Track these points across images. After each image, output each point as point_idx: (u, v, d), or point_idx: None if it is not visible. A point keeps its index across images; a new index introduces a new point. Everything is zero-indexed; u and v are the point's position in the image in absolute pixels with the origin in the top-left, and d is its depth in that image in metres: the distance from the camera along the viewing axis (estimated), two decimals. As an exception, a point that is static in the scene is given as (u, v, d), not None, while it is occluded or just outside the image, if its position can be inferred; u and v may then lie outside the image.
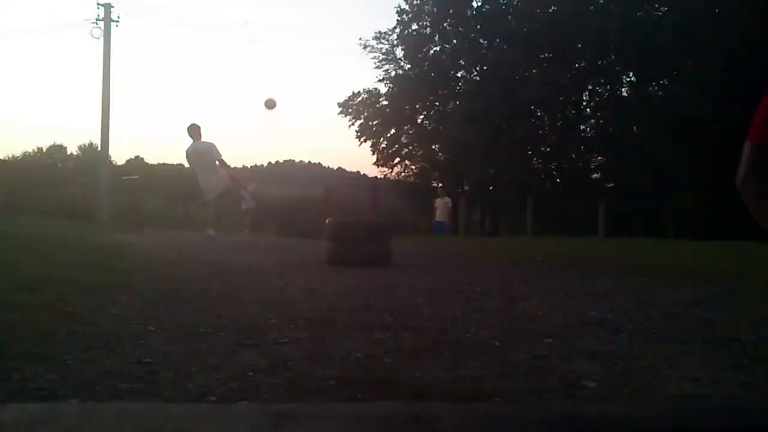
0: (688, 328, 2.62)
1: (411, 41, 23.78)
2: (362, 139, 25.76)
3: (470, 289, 3.90)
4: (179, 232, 12.46)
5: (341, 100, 26.14)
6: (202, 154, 8.53)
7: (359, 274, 4.52)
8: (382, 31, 25.25)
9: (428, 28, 23.89)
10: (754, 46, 13.83)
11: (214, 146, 8.51)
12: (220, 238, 8.32)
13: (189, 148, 8.44)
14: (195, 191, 8.93)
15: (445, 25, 23.48)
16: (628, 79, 22.59)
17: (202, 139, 8.51)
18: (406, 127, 25.49)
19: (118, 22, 19.66)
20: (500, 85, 20.58)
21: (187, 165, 8.61)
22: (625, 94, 22.22)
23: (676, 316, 2.97)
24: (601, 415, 0.41)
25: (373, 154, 25.86)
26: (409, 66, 24.60)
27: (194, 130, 8.48)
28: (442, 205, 14.44)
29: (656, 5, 21.18)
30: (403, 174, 25.78)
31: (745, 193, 1.63)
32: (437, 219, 14.43)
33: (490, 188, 22.88)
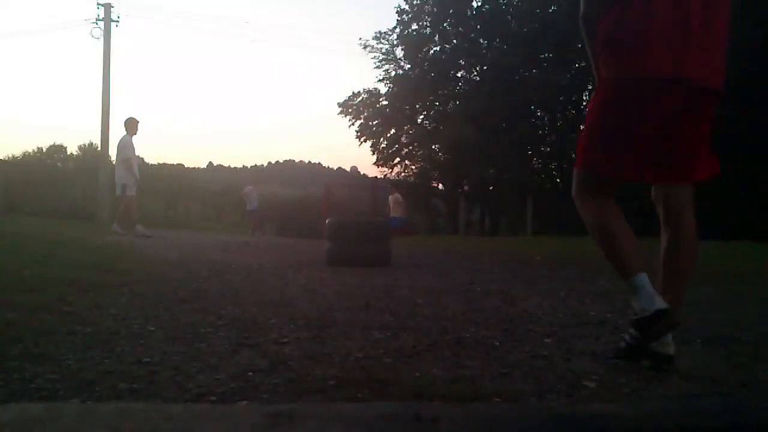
0: (688, 328, 2.62)
1: (411, 41, 23.79)
2: (362, 139, 25.79)
3: (470, 289, 3.90)
4: (179, 232, 12.46)
5: (341, 100, 26.18)
6: (119, 148, 8.99)
7: (359, 274, 4.52)
8: (382, 31, 25.30)
9: (428, 28, 23.90)
10: (753, 47, 13.84)
11: (128, 143, 8.87)
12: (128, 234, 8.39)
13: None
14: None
15: (445, 25, 23.48)
16: (628, 79, 22.56)
17: (129, 135, 8.91)
18: (406, 127, 25.50)
19: (118, 22, 19.64)
20: (500, 85, 20.58)
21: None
22: (625, 94, 22.19)
23: (676, 316, 2.96)
24: (601, 415, 0.41)
25: (373, 154, 25.89)
26: (409, 66, 24.61)
27: (127, 124, 8.99)
28: (393, 201, 15.13)
29: (656, 5, 21.15)
30: (403, 174, 25.80)
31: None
32: (392, 215, 14.87)
33: (490, 188, 22.88)
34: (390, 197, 15.54)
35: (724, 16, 1.84)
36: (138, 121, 9.08)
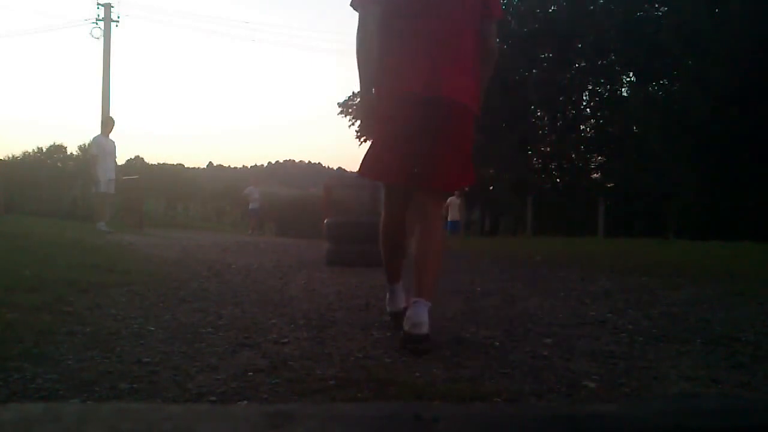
0: (688, 328, 2.63)
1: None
2: (362, 139, 25.80)
3: (470, 289, 3.90)
4: (179, 232, 12.46)
5: (341, 100, 26.20)
6: (89, 146, 9.24)
7: (359, 274, 4.52)
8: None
9: (428, 28, 23.86)
10: (754, 46, 13.83)
11: (98, 141, 8.89)
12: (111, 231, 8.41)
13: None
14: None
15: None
16: (628, 79, 22.61)
17: (101, 134, 8.92)
18: (406, 127, 25.46)
19: (118, 22, 19.65)
20: (500, 85, 20.59)
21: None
22: (625, 94, 22.24)
23: (676, 316, 2.97)
24: (601, 415, 0.41)
25: (374, 154, 25.87)
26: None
27: (101, 123, 9.09)
28: (451, 203, 13.76)
29: (656, 5, 21.20)
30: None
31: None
32: (450, 218, 13.66)
33: (490, 188, 22.89)
34: (449, 198, 14.54)
35: (472, 50, 2.23)
36: (113, 120, 9.21)
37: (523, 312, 3.00)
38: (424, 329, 2.06)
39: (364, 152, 2.34)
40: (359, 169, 2.36)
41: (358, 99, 2.73)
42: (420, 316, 2.07)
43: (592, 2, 21.32)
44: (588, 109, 23.91)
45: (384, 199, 2.43)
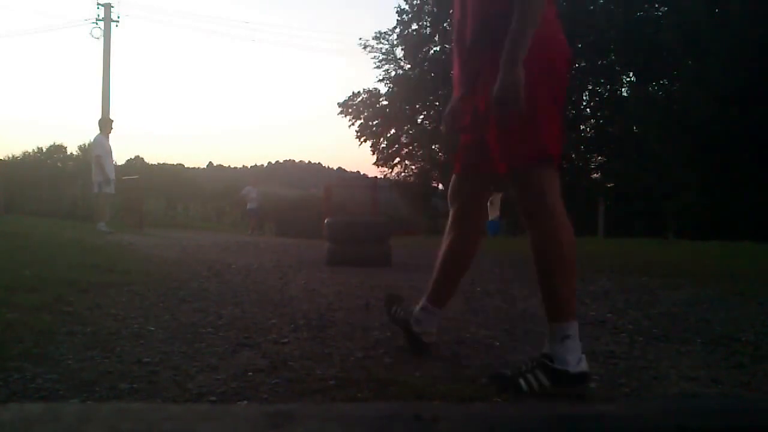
0: (688, 328, 2.63)
1: (411, 41, 23.81)
2: (362, 139, 25.83)
3: (470, 289, 3.90)
4: (179, 232, 12.46)
5: (341, 100, 26.25)
6: (91, 146, 9.30)
7: (359, 274, 4.52)
8: (382, 31, 25.39)
9: (428, 28, 23.93)
10: (754, 46, 13.83)
11: (100, 141, 8.95)
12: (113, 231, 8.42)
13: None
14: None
15: (445, 25, 23.52)
16: (628, 79, 22.61)
17: (102, 134, 8.98)
18: (406, 127, 25.52)
19: (118, 22, 19.65)
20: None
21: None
22: (625, 94, 22.24)
23: (676, 316, 2.97)
24: (601, 415, 0.41)
25: (373, 154, 25.95)
26: (409, 66, 24.65)
27: (101, 124, 9.12)
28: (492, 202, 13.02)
29: (656, 5, 21.20)
30: (403, 174, 25.83)
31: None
32: (491, 218, 12.98)
33: (491, 188, 22.88)
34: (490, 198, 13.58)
35: None
36: (112, 121, 9.31)
37: (523, 312, 3.00)
38: (433, 338, 2.10)
39: (541, 128, 1.70)
40: (549, 147, 1.71)
41: (510, 67, 1.40)
42: (433, 325, 2.08)
43: (592, 2, 21.32)
44: (588, 109, 23.90)
45: (554, 190, 1.73)
